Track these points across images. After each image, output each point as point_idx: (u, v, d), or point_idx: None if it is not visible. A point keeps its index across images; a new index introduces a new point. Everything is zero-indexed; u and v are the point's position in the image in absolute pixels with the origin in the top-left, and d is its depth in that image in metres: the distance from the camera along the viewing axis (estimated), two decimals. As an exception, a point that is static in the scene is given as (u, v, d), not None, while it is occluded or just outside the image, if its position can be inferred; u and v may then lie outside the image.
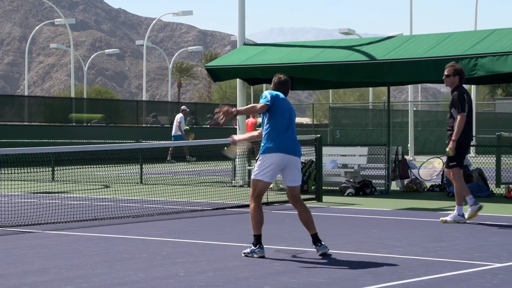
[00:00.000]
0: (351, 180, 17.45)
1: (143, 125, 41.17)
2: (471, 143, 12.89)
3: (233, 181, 19.64)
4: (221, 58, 21.32)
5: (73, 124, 37.73)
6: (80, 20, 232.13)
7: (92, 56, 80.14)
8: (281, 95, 9.04)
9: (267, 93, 9.02)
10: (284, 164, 8.91)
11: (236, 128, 20.32)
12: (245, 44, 20.19)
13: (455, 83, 12.33)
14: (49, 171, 22.17)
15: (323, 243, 8.93)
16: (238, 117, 19.95)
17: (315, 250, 8.93)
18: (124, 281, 7.50)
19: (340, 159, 18.43)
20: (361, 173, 18.37)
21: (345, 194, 17.06)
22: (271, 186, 9.56)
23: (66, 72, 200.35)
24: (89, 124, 37.94)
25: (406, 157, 19.73)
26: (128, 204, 14.86)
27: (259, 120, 23.71)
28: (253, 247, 8.81)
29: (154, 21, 65.86)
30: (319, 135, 16.44)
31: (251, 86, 26.67)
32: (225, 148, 10.03)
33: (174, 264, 8.41)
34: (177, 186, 18.27)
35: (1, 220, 12.01)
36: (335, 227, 11.69)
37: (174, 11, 52.05)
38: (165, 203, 15.35)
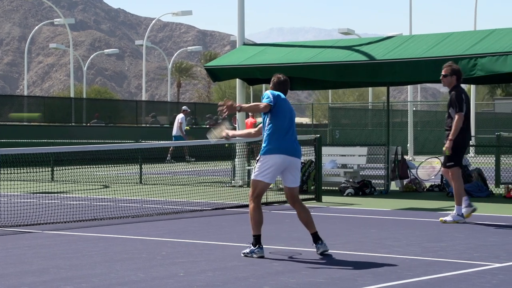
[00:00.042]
0: (351, 180, 17.46)
1: (143, 125, 41.16)
2: (470, 143, 12.90)
3: (233, 181, 19.64)
4: (220, 58, 21.32)
5: (71, 124, 37.71)
6: (80, 20, 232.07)
7: (92, 56, 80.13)
8: (282, 95, 9.04)
9: (269, 93, 9.01)
10: (285, 165, 8.92)
11: (235, 127, 20.33)
12: (244, 44, 20.18)
13: (453, 83, 12.33)
14: (48, 171, 22.18)
15: (323, 241, 8.94)
16: (237, 116, 20.01)
17: (315, 249, 8.93)
18: (124, 281, 7.51)
19: (339, 159, 18.43)
20: (361, 173, 18.37)
21: (345, 194, 17.07)
22: (270, 186, 9.55)
23: (65, 72, 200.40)
24: (88, 124, 37.93)
25: (405, 157, 19.71)
26: (128, 204, 14.86)
27: (259, 120, 23.74)
28: (252, 247, 8.81)
29: (153, 21, 65.88)
30: (318, 135, 16.44)
31: (251, 86, 26.63)
32: (212, 129, 9.82)
33: (173, 264, 8.42)
34: (177, 186, 18.27)
35: (0, 220, 12.00)
36: (334, 227, 11.69)
37: (173, 11, 51.98)
38: (165, 203, 15.35)
